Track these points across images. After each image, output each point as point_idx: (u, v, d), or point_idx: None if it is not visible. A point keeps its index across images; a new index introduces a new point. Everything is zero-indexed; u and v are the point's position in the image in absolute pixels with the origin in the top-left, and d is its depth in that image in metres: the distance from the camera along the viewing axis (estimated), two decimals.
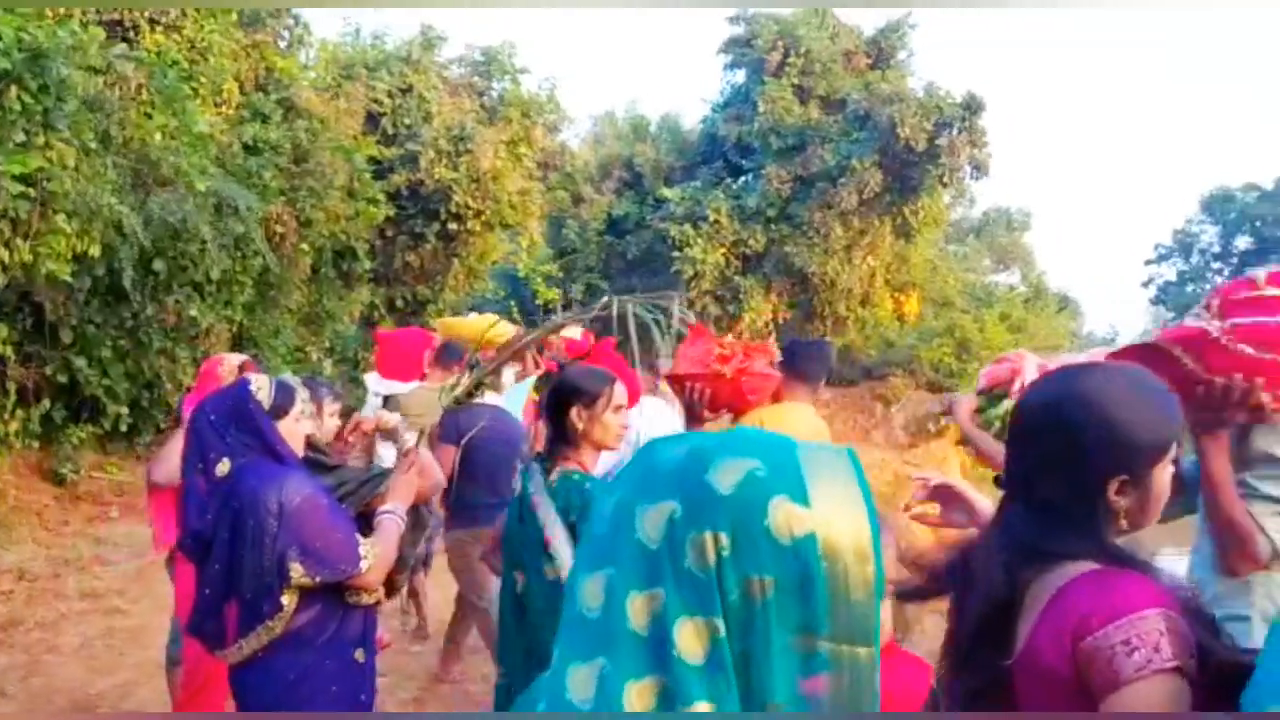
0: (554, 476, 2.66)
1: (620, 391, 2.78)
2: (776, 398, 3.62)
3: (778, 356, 3.63)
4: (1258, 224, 34.48)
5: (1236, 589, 2.38)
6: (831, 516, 0.81)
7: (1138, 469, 1.39)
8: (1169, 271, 37.18)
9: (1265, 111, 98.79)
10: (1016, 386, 3.20)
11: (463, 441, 4.50)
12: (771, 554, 0.79)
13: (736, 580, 0.79)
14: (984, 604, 1.43)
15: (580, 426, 2.67)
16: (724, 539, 0.79)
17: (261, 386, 2.59)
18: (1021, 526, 1.43)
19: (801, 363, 3.74)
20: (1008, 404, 3.21)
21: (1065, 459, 1.39)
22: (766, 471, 0.81)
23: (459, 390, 3.42)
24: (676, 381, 3.37)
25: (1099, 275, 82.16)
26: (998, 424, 3.22)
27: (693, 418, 3.31)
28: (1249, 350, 2.06)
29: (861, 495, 0.84)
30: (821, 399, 18.00)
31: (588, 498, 2.56)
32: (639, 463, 0.87)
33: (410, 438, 2.85)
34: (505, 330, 5.03)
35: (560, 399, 2.71)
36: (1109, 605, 1.30)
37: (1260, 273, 2.27)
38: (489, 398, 4.67)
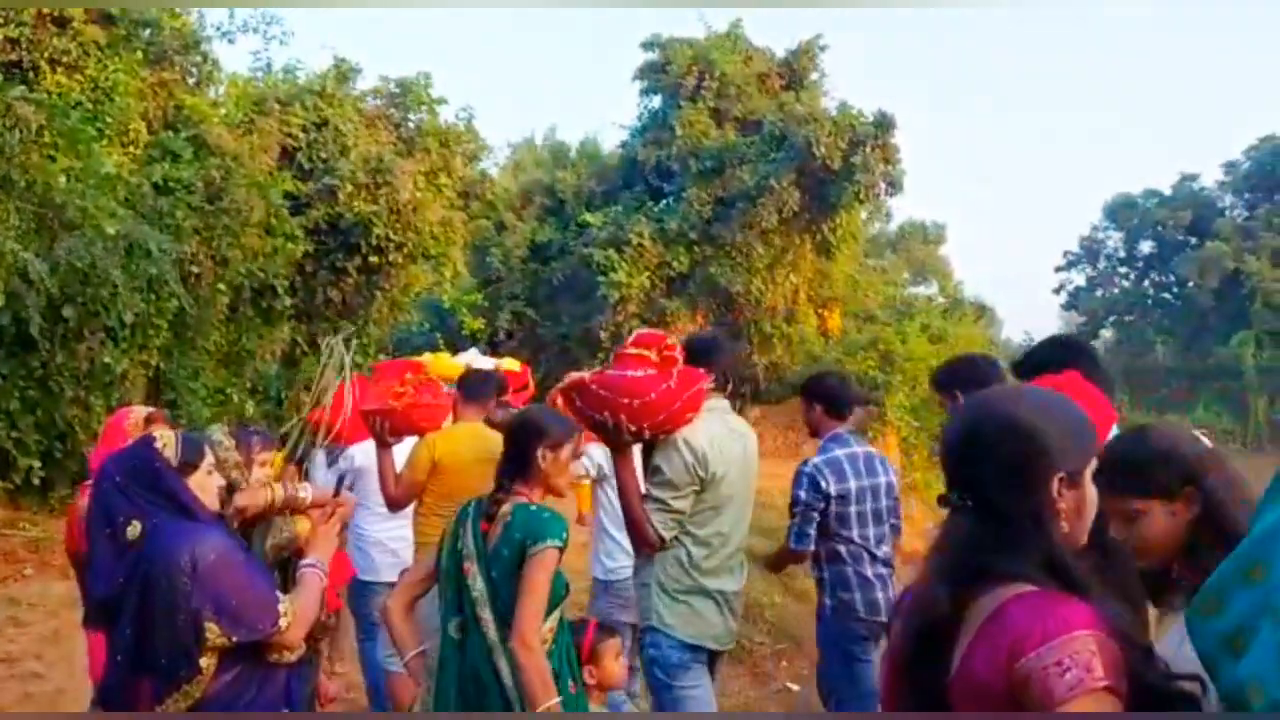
0: (507, 508, 2.66)
1: (581, 440, 2.86)
2: (456, 418, 4.31)
3: (444, 389, 4.36)
4: (1159, 228, 35.84)
5: (644, 564, 3.33)
6: None
7: (1073, 466, 1.47)
8: (1079, 277, 38.39)
9: (1162, 120, 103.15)
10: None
11: None
12: None
13: None
14: (924, 622, 1.47)
15: (543, 466, 2.71)
16: None
17: (167, 443, 2.49)
18: (968, 545, 1.47)
19: (470, 389, 4.41)
20: None
21: (1013, 462, 1.46)
22: None
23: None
24: (365, 416, 3.91)
25: (1013, 283, 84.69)
26: None
27: (380, 444, 3.95)
28: (605, 393, 2.82)
29: None
30: (751, 417, 17.93)
31: (547, 524, 2.60)
32: None
33: (307, 489, 2.80)
34: (509, 363, 5.46)
35: (526, 437, 2.74)
36: (1043, 626, 1.34)
37: (634, 335, 3.18)
38: None
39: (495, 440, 4.42)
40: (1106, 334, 38.34)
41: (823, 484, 4.02)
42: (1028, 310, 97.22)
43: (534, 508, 2.66)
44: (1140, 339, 36.28)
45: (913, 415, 17.42)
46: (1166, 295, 36.67)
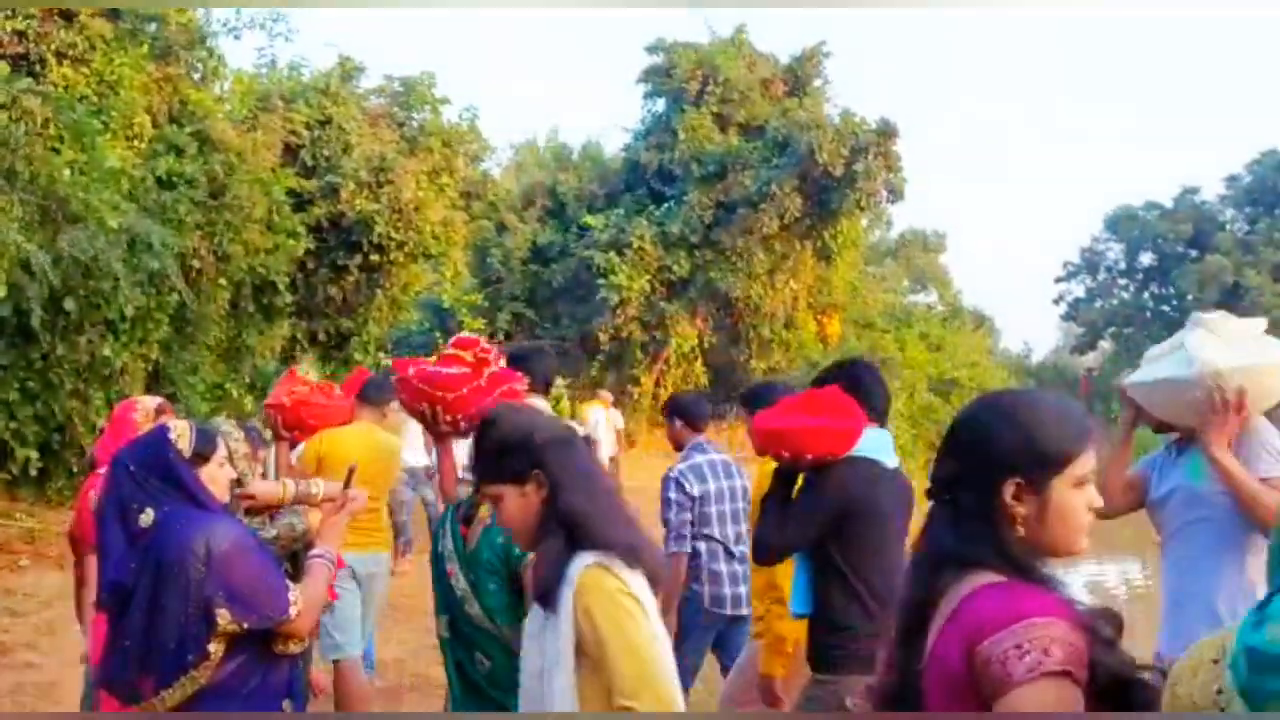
0: (485, 510, 2.66)
1: None
2: (350, 419, 4.77)
3: (336, 391, 4.83)
4: (1159, 241, 35.86)
5: None
6: None
7: (1033, 475, 1.46)
8: (1078, 288, 38.36)
9: (1163, 132, 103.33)
10: None
11: None
12: None
13: None
14: (906, 609, 1.53)
15: None
16: None
17: (181, 434, 2.53)
18: (940, 534, 1.52)
19: (366, 392, 4.93)
20: None
21: (971, 463, 1.50)
22: None
23: None
24: (265, 410, 4.45)
25: (1012, 293, 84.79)
26: None
27: (276, 436, 4.32)
28: (423, 387, 3.14)
29: None
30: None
31: None
32: None
33: (319, 484, 2.84)
34: None
35: None
36: (1005, 612, 1.37)
37: (454, 338, 3.54)
38: None
39: (383, 440, 5.00)
40: (1105, 345, 38.36)
41: (687, 486, 4.52)
42: (1027, 320, 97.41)
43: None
44: (1139, 351, 35.64)
45: (910, 423, 17.43)
46: (1166, 308, 36.67)
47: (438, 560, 2.73)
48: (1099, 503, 1.52)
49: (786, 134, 17.87)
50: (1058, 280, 38.55)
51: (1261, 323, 3.11)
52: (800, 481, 3.05)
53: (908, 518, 3.07)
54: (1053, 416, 1.51)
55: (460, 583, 2.64)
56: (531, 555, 2.56)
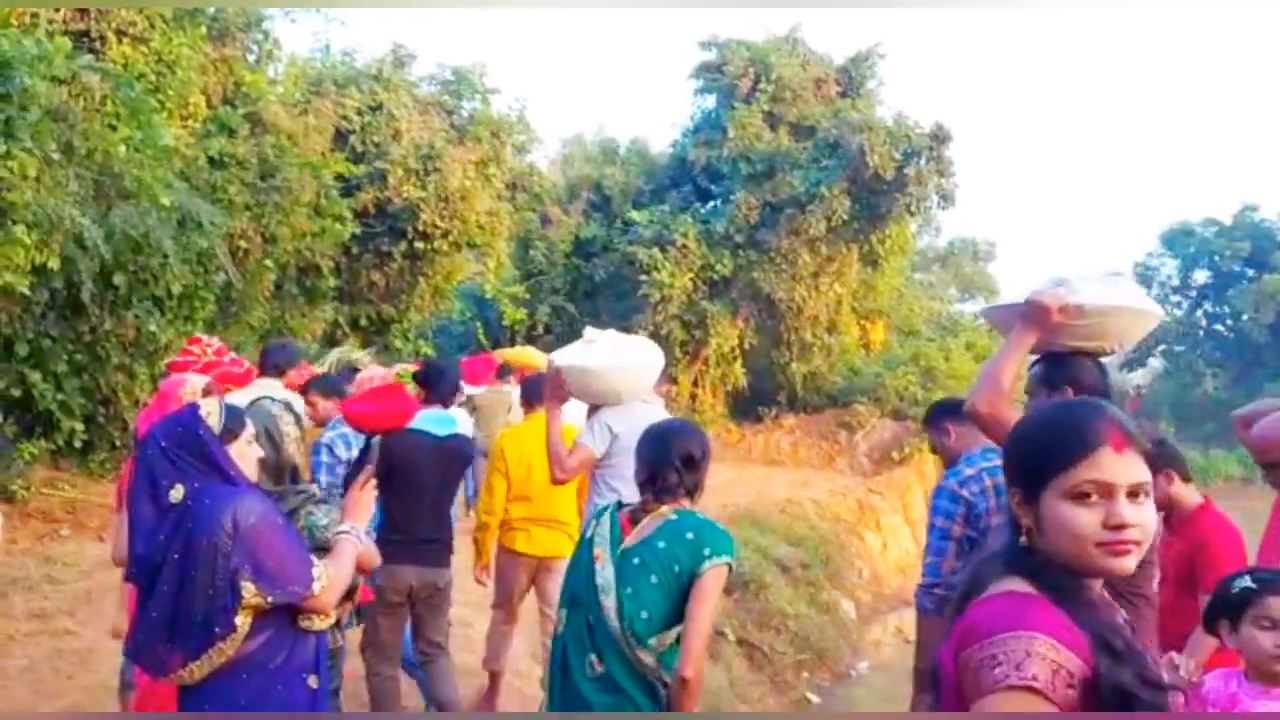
0: (667, 509, 2.69)
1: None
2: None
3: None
4: (1215, 258, 35.14)
5: None
6: None
7: (1029, 487, 1.47)
8: None
9: (1224, 149, 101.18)
10: None
11: None
12: None
13: None
14: (948, 613, 1.57)
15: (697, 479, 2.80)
16: None
17: (211, 411, 2.60)
18: (994, 547, 1.59)
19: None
20: None
21: (1006, 474, 1.58)
22: None
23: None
24: None
25: None
26: None
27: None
28: (169, 371, 3.91)
29: None
30: (787, 425, 17.80)
31: (724, 538, 2.67)
32: None
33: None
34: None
35: (700, 456, 2.81)
36: (998, 621, 1.38)
37: (189, 339, 4.75)
38: None
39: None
40: (1155, 363, 37.66)
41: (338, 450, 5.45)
42: None
43: (704, 518, 2.71)
44: (1190, 370, 35.58)
45: None
46: (1219, 327, 35.95)
47: (586, 546, 2.74)
48: (1121, 519, 1.41)
49: (837, 135, 17.66)
50: None
51: (640, 340, 4.25)
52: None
53: (453, 470, 4.52)
54: (1044, 427, 1.51)
55: (606, 570, 2.64)
56: (720, 559, 2.60)
